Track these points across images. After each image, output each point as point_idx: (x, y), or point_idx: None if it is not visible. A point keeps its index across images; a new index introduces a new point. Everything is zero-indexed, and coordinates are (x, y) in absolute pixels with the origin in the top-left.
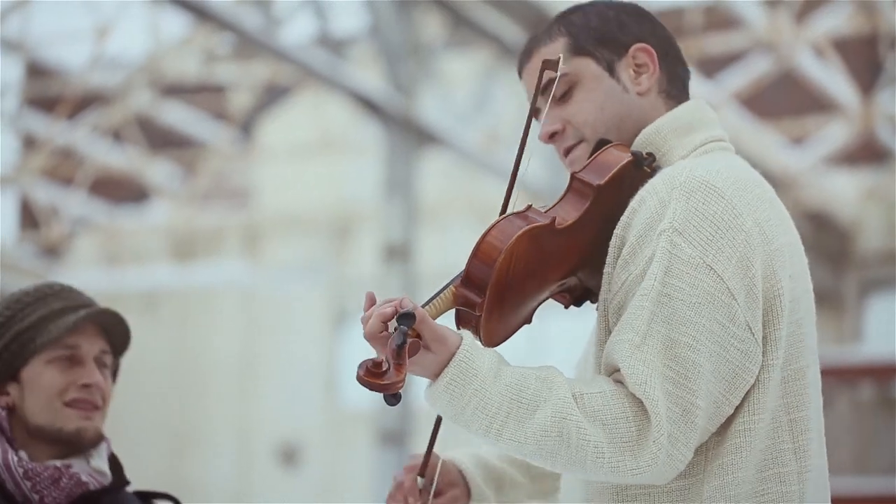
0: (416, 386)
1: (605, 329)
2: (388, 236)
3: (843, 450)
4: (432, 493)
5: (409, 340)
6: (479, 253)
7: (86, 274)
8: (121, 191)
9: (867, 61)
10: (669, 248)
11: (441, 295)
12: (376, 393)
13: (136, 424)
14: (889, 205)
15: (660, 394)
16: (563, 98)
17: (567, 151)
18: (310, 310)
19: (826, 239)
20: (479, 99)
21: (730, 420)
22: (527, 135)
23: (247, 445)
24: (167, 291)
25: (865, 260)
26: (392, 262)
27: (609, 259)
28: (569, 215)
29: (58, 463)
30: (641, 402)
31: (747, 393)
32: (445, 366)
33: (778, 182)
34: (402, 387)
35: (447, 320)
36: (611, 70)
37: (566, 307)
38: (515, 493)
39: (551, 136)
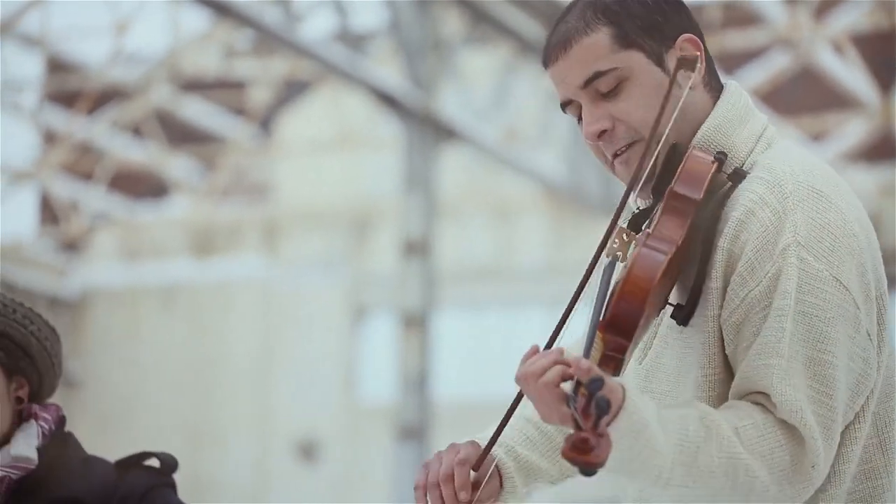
0: (435, 379)
1: (716, 347)
2: (407, 232)
3: None
4: (480, 492)
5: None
6: (628, 294)
7: (105, 268)
8: (140, 186)
9: (886, 58)
10: (798, 265)
11: (594, 344)
12: (582, 468)
13: (153, 418)
14: None
15: (811, 418)
16: (611, 94)
17: (619, 152)
18: (328, 305)
19: None
20: (498, 95)
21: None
22: (642, 167)
23: (264, 441)
24: (186, 286)
25: (884, 257)
26: (411, 258)
27: (714, 274)
28: (677, 235)
29: None
30: (792, 428)
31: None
32: (615, 419)
33: None
34: (606, 463)
35: None
36: (661, 63)
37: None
38: (539, 478)
39: (600, 136)
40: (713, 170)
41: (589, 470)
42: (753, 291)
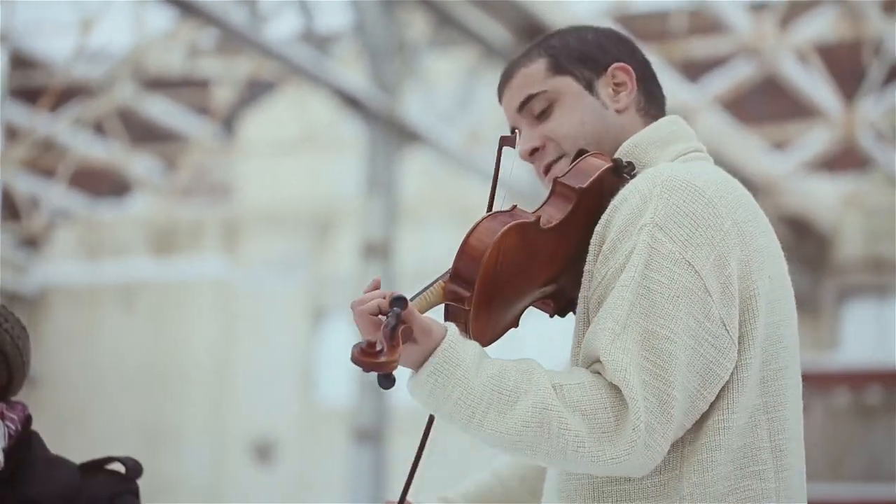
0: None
1: (586, 324)
2: (368, 234)
3: (818, 456)
4: None
5: (403, 326)
6: (467, 248)
7: (65, 266)
8: (102, 183)
9: (850, 68)
10: (650, 242)
11: (430, 289)
12: (371, 372)
13: (110, 416)
14: (868, 212)
15: (637, 383)
16: (543, 115)
17: (547, 168)
18: (288, 306)
19: (805, 245)
20: (461, 99)
21: (706, 417)
22: (499, 153)
23: (222, 441)
24: (145, 285)
25: (844, 267)
26: (371, 260)
27: (590, 257)
28: (553, 217)
29: None
30: (619, 392)
31: (723, 391)
32: (429, 356)
33: (759, 187)
34: (395, 367)
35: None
36: (590, 88)
37: (551, 316)
38: None
39: (532, 153)
40: (605, 167)
41: (380, 375)
42: (611, 269)
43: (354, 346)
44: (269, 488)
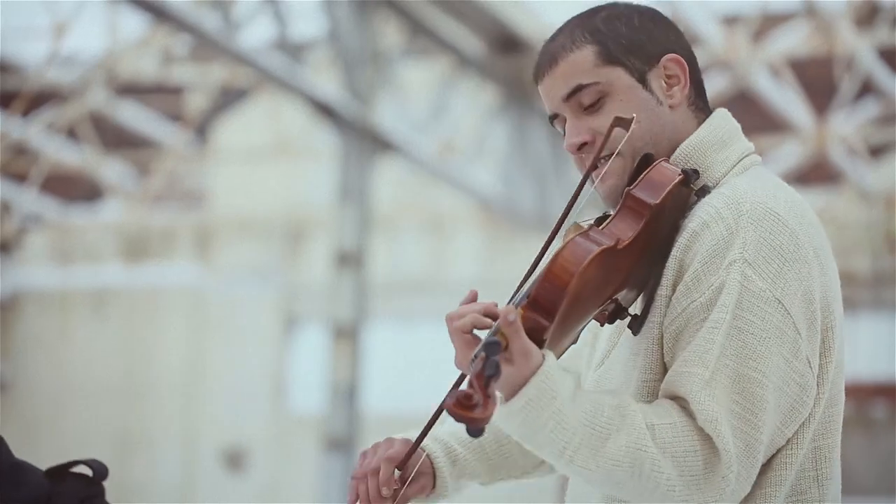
0: (365, 391)
1: (657, 353)
2: (341, 243)
3: None
4: (404, 489)
5: (500, 375)
6: (552, 276)
7: (36, 271)
8: (73, 189)
9: (822, 82)
10: (741, 280)
11: None
12: (465, 425)
13: (81, 422)
14: (840, 226)
15: (728, 431)
16: (592, 108)
17: (595, 164)
18: (260, 314)
19: None
20: (435, 108)
21: (777, 453)
22: (595, 162)
23: (192, 448)
24: (117, 291)
25: None
26: (344, 269)
27: (664, 281)
28: (625, 234)
29: None
30: (709, 437)
31: (798, 427)
32: (525, 383)
33: None
34: (489, 422)
35: None
36: (643, 81)
37: (602, 324)
38: (471, 477)
39: (580, 147)
40: (676, 180)
41: (471, 428)
42: (695, 302)
43: (450, 395)
44: (240, 496)
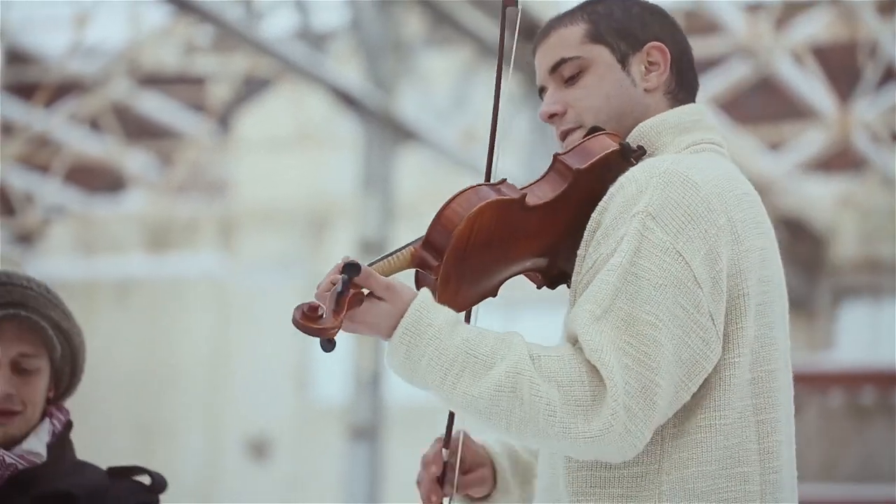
0: (389, 380)
1: (573, 307)
2: (364, 232)
3: (812, 456)
4: (457, 465)
5: (351, 292)
6: (442, 218)
7: (59, 262)
8: (97, 179)
9: (846, 69)
10: (641, 230)
11: (399, 253)
12: (312, 336)
13: (105, 414)
14: (864, 213)
15: (616, 365)
16: (571, 81)
17: (564, 135)
18: (283, 304)
19: (800, 245)
20: (457, 97)
21: (692, 414)
22: (498, 99)
23: (216, 438)
24: (140, 281)
25: (839, 267)
26: (367, 258)
27: (584, 242)
28: (544, 194)
29: None
30: (598, 370)
31: (712, 389)
32: (400, 318)
33: (754, 187)
34: (336, 333)
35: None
36: (623, 62)
37: (538, 287)
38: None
39: (550, 117)
40: (609, 150)
41: (322, 341)
42: (602, 255)
43: (296, 309)
44: (264, 485)
